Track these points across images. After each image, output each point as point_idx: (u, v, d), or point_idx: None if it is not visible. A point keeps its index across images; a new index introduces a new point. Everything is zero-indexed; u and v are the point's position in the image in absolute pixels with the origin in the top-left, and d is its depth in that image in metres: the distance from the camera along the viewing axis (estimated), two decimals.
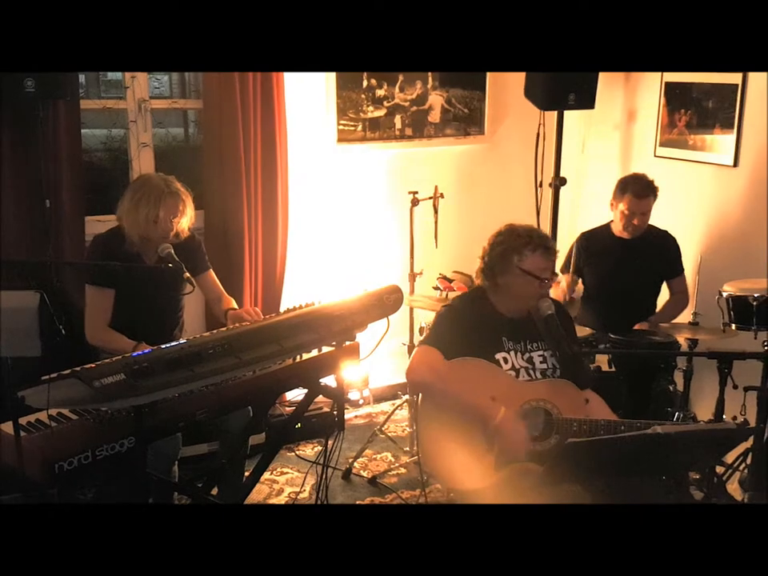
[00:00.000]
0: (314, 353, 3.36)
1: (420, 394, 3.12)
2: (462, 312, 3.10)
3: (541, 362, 3.07)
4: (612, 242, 4.28)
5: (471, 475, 2.85)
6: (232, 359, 2.81)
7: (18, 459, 2.59)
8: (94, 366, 2.53)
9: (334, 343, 3.27)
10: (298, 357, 3.29)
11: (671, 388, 3.93)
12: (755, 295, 3.57)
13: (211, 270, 3.84)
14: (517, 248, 2.97)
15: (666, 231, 4.32)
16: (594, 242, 4.33)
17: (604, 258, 4.31)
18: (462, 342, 2.97)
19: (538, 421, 2.92)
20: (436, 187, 4.45)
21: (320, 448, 4.32)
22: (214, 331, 2.94)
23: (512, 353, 3.03)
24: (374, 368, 5.15)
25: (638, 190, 4.18)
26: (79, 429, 2.80)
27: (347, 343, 3.35)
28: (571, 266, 4.27)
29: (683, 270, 4.31)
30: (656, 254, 4.27)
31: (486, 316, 3.07)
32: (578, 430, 2.83)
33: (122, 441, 2.78)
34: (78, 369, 2.49)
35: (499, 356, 3.01)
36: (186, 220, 3.59)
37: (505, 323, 3.07)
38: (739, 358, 3.24)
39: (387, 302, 3.33)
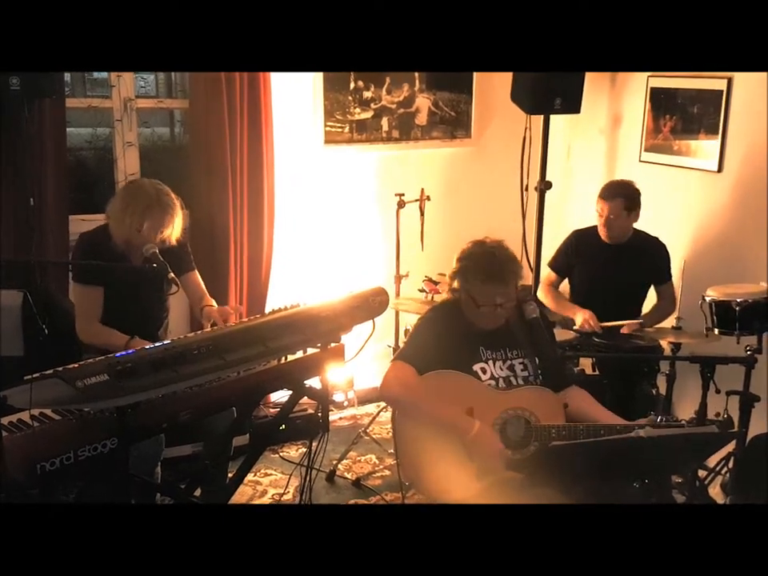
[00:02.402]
0: (299, 354, 3.36)
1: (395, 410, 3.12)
2: (437, 324, 3.10)
3: (522, 370, 3.08)
4: (601, 244, 4.29)
5: (452, 486, 2.84)
6: (216, 360, 2.80)
7: None
8: (77, 366, 2.52)
9: (318, 345, 3.27)
10: (283, 358, 3.28)
11: (654, 392, 3.95)
12: (738, 300, 3.58)
13: (195, 270, 3.82)
14: (465, 272, 3.01)
15: (656, 237, 4.33)
16: (585, 241, 4.34)
17: (593, 259, 4.32)
18: (438, 354, 2.97)
19: (516, 430, 2.92)
20: (422, 190, 4.47)
21: (304, 450, 4.32)
22: (199, 332, 2.94)
23: (490, 362, 3.03)
24: (359, 370, 5.14)
25: (603, 192, 4.24)
26: (61, 429, 2.78)
27: (332, 345, 3.35)
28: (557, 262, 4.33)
29: (671, 276, 4.32)
30: (644, 259, 4.27)
31: (461, 327, 3.06)
32: (556, 436, 2.83)
33: (104, 441, 2.76)
34: (60, 369, 2.48)
35: (477, 367, 3.00)
36: (173, 232, 3.55)
37: (481, 333, 3.07)
38: (722, 363, 3.26)
39: (372, 305, 3.33)
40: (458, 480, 2.82)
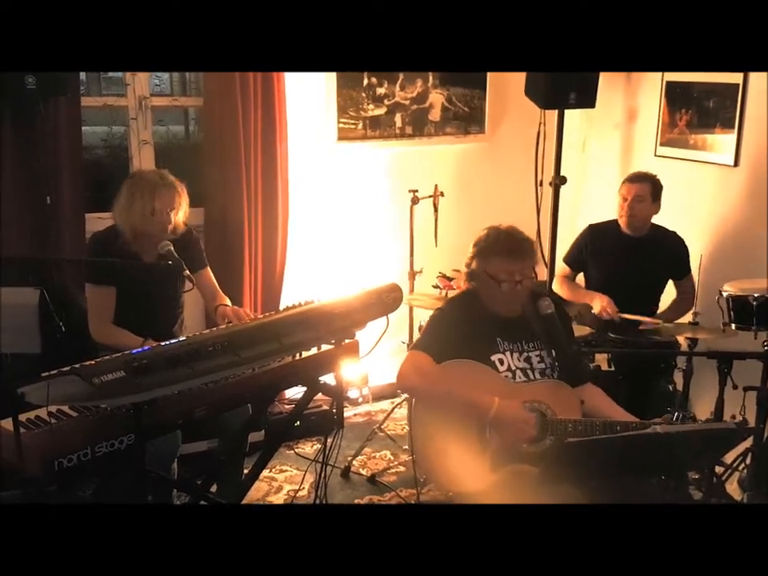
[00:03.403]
0: (314, 351, 3.36)
1: (412, 399, 3.12)
2: (453, 315, 3.11)
3: (539, 362, 3.07)
4: (618, 238, 4.27)
5: (467, 477, 2.84)
6: (231, 357, 2.81)
7: (17, 456, 2.60)
8: (93, 363, 2.53)
9: (333, 341, 3.27)
10: (298, 355, 3.29)
11: (671, 388, 3.94)
12: (755, 295, 3.56)
13: (208, 267, 3.83)
14: (483, 252, 3.04)
15: (674, 232, 4.31)
16: (601, 235, 4.32)
17: (610, 252, 4.30)
18: (455, 344, 2.97)
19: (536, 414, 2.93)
20: (436, 186, 4.47)
21: (319, 446, 4.33)
22: (214, 329, 2.94)
23: (508, 353, 3.03)
24: (374, 366, 5.15)
25: (630, 177, 4.26)
26: (78, 426, 2.79)
27: (346, 341, 3.35)
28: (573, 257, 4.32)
29: (690, 271, 4.30)
30: (663, 253, 4.25)
31: (478, 317, 3.07)
32: (573, 430, 2.83)
33: (121, 438, 2.78)
34: (77, 366, 2.49)
35: (495, 357, 3.00)
36: (182, 213, 3.59)
37: (499, 324, 3.07)
38: (739, 358, 3.24)
39: (387, 301, 3.32)
40: (472, 472, 2.82)
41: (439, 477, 3.07)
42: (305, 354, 3.30)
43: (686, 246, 4.30)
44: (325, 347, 3.30)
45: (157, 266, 3.54)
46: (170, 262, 3.35)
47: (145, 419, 2.76)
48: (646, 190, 4.16)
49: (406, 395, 4.63)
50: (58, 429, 2.77)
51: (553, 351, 3.09)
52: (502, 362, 3.01)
